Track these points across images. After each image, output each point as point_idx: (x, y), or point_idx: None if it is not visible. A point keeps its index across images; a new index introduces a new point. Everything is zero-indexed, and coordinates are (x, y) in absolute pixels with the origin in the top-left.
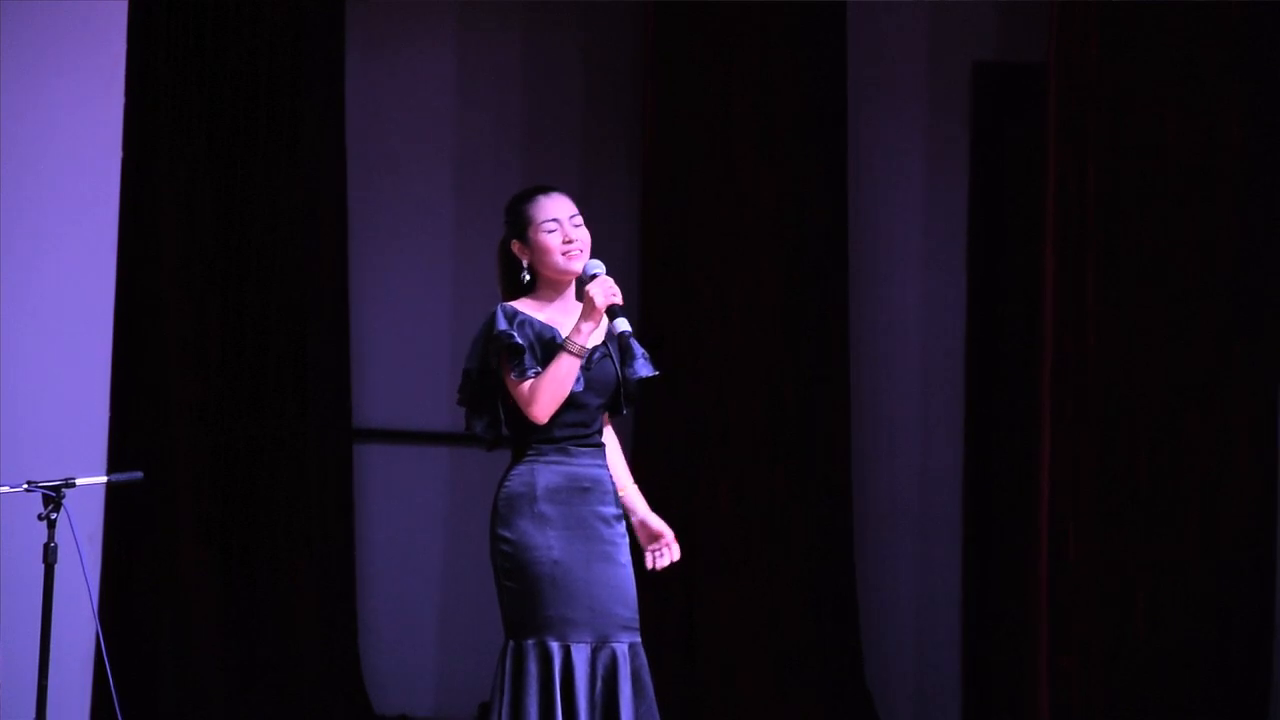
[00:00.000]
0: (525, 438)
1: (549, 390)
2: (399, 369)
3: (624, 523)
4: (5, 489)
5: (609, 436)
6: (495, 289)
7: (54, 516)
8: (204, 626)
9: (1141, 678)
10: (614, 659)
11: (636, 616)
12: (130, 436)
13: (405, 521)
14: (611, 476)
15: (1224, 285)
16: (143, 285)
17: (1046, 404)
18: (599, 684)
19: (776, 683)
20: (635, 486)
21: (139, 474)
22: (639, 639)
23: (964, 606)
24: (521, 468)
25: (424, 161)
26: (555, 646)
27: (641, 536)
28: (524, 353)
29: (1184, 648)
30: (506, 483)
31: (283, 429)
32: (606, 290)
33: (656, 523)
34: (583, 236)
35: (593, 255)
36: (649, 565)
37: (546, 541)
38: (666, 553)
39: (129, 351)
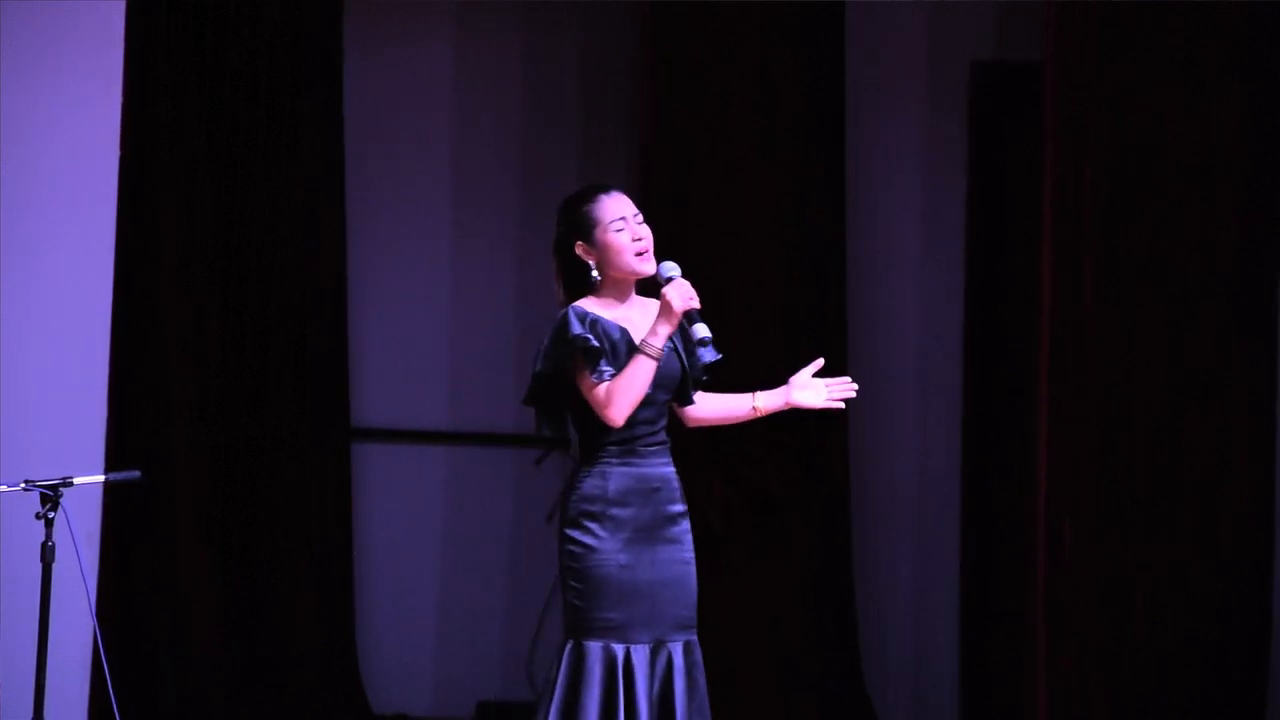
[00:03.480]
0: (595, 439)
1: (626, 393)
2: (397, 368)
3: (688, 520)
4: (3, 488)
5: (699, 395)
6: (488, 288)
7: (52, 516)
8: (203, 626)
9: (1141, 677)
10: (670, 657)
11: (694, 614)
12: (128, 435)
13: (403, 520)
14: (675, 474)
15: (1223, 285)
16: (141, 285)
17: (1044, 403)
18: (656, 683)
19: (778, 684)
20: (750, 396)
21: (137, 473)
22: (695, 636)
23: (962, 606)
24: (593, 470)
25: (423, 162)
26: (618, 649)
27: (805, 397)
28: (601, 356)
29: (1183, 647)
30: (579, 486)
31: (282, 428)
32: (684, 295)
33: (795, 382)
34: (648, 233)
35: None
36: (838, 401)
37: (615, 545)
38: (840, 390)
39: (127, 351)
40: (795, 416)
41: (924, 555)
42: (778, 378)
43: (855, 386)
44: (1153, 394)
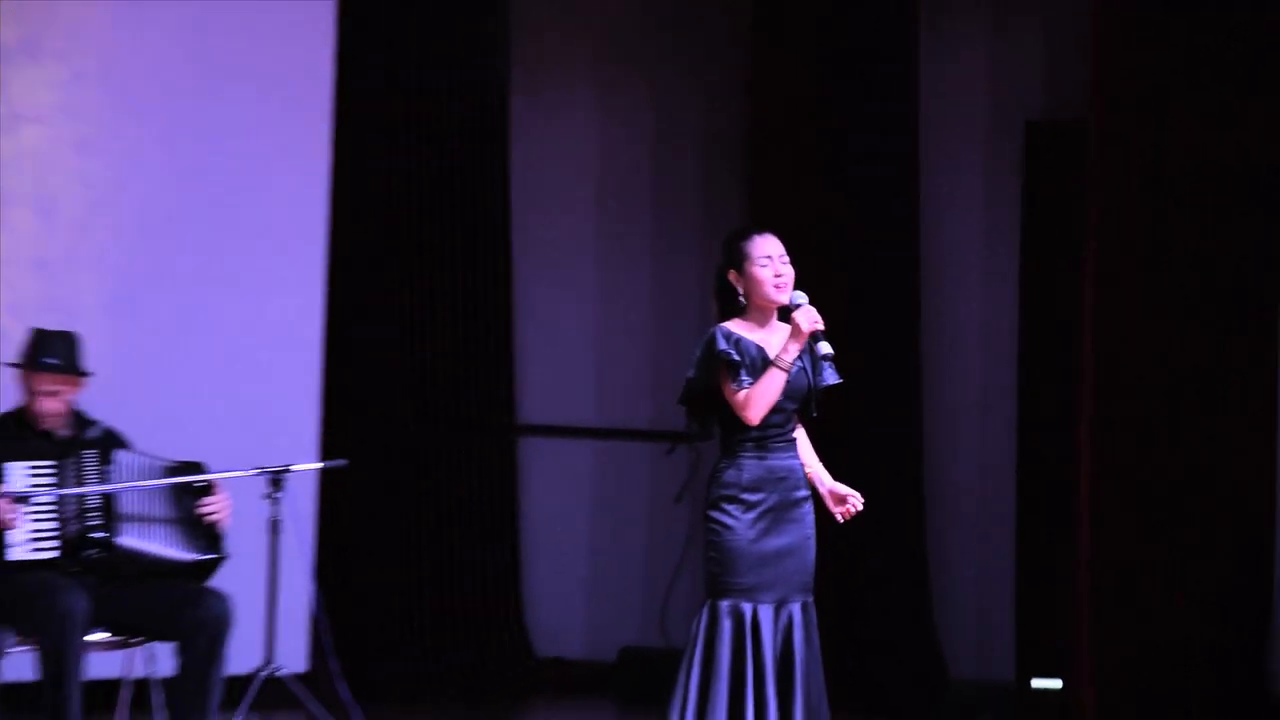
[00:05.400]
0: (734, 435)
1: (761, 399)
2: (554, 376)
3: (810, 503)
4: (240, 473)
5: (799, 432)
6: (627, 309)
7: (278, 495)
8: (396, 584)
9: (1171, 636)
10: (791, 615)
11: (811, 580)
12: (337, 430)
13: (559, 499)
14: (800, 465)
15: (1237, 309)
16: (344, 299)
17: (1086, 409)
18: (779, 636)
19: (868, 637)
20: (820, 465)
21: (344, 461)
22: (811, 598)
23: (1017, 573)
24: (731, 461)
25: (572, 199)
26: (747, 607)
27: (830, 501)
28: (741, 368)
29: (1200, 617)
30: (719, 475)
31: (460, 424)
32: (810, 319)
33: (840, 488)
34: (789, 272)
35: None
36: (840, 520)
37: (747, 524)
38: (852, 505)
39: (334, 360)
40: (874, 414)
41: (985, 535)
42: (859, 381)
43: (860, 505)
44: (1181, 404)
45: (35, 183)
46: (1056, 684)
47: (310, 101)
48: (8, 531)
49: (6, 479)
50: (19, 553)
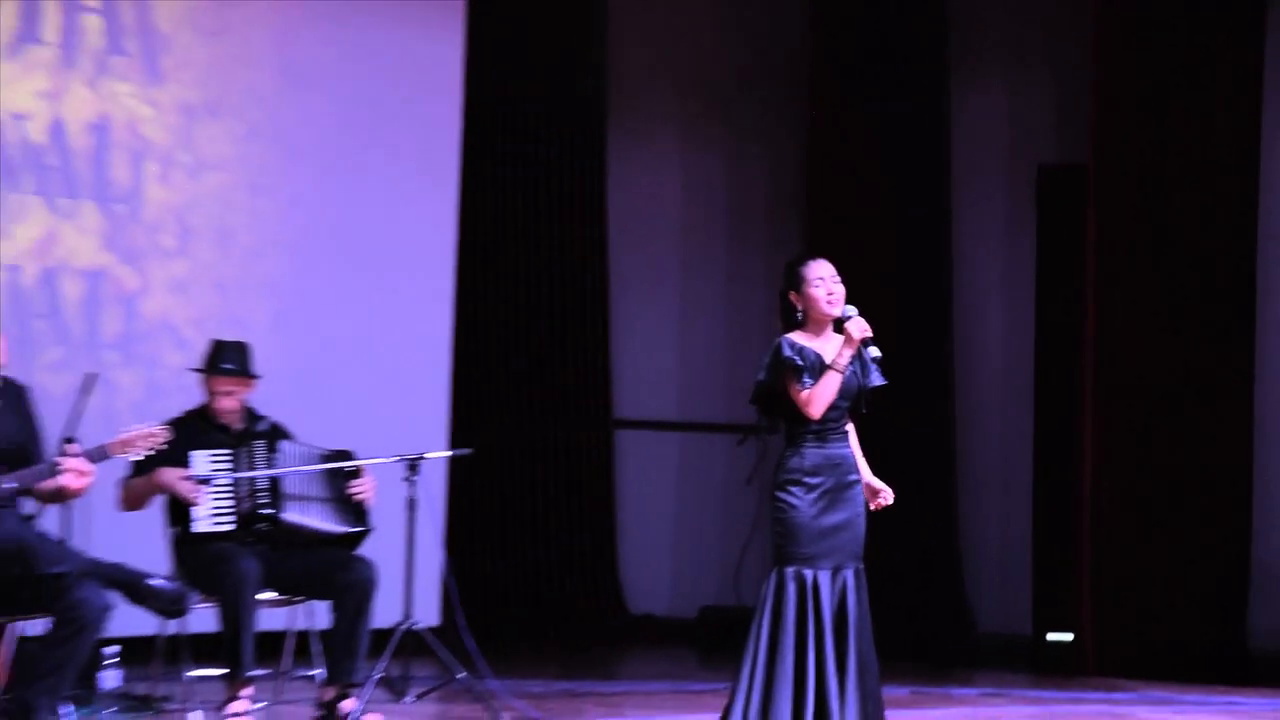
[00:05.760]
0: (797, 428)
1: (821, 397)
2: (643, 378)
3: (860, 485)
4: (383, 459)
5: (849, 427)
6: (705, 321)
7: (414, 478)
8: (512, 553)
9: (1163, 596)
10: (845, 580)
11: (862, 550)
12: (464, 423)
13: (648, 482)
14: (852, 454)
15: (1218, 321)
16: (472, 317)
17: (1088, 405)
18: (835, 598)
19: (900, 616)
20: (864, 459)
21: (469, 450)
22: (862, 565)
23: (1034, 536)
24: (795, 450)
25: (659, 227)
26: (808, 573)
27: (866, 494)
28: (804, 372)
29: (1192, 575)
30: (785, 462)
31: (565, 418)
32: (860, 328)
33: (876, 482)
34: (840, 290)
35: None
36: (872, 509)
37: (809, 501)
38: (883, 499)
39: (461, 364)
40: (915, 416)
41: (1006, 508)
42: (904, 381)
43: (891, 499)
44: (1170, 397)
45: (215, 219)
46: (1068, 636)
47: (440, 145)
48: (194, 508)
49: (192, 465)
50: (202, 526)
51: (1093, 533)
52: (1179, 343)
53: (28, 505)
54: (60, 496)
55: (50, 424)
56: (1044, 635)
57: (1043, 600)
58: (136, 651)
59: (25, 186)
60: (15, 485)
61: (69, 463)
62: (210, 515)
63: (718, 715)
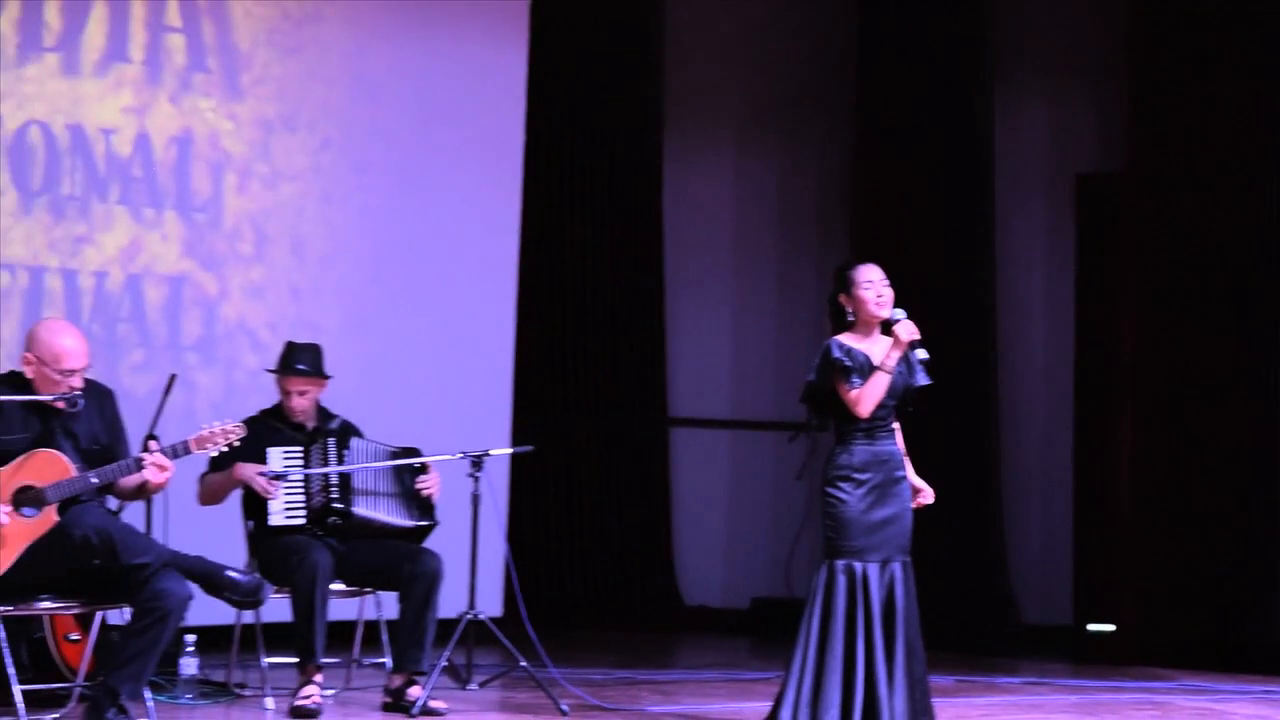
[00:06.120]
0: (847, 426)
1: (870, 396)
2: (697, 378)
3: (907, 481)
4: (448, 456)
5: (895, 426)
6: (756, 323)
7: (478, 474)
8: (572, 546)
9: (1199, 589)
10: (893, 573)
11: (909, 543)
12: (526, 421)
13: (702, 477)
14: (899, 450)
15: (1242, 323)
16: (534, 320)
17: (1126, 397)
18: (883, 590)
19: (946, 606)
20: (908, 459)
21: (531, 447)
22: (909, 558)
23: (1075, 526)
24: (844, 447)
25: (713, 235)
26: (857, 566)
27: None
28: (853, 372)
29: (1227, 569)
30: (835, 457)
31: (623, 417)
32: (908, 330)
33: (918, 482)
34: (889, 293)
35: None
36: (914, 507)
37: (858, 497)
38: (923, 499)
39: (523, 366)
40: (960, 413)
41: (1048, 503)
42: (950, 388)
43: (931, 499)
44: (1205, 395)
45: (290, 227)
46: (1109, 627)
47: (504, 153)
48: (269, 503)
49: (267, 461)
50: (277, 519)
51: (1132, 526)
52: (1215, 343)
53: (110, 501)
54: (142, 492)
55: (133, 423)
56: (1085, 626)
57: (1083, 592)
58: (213, 640)
59: (112, 197)
60: (97, 481)
61: (151, 458)
62: (284, 510)
63: (769, 703)
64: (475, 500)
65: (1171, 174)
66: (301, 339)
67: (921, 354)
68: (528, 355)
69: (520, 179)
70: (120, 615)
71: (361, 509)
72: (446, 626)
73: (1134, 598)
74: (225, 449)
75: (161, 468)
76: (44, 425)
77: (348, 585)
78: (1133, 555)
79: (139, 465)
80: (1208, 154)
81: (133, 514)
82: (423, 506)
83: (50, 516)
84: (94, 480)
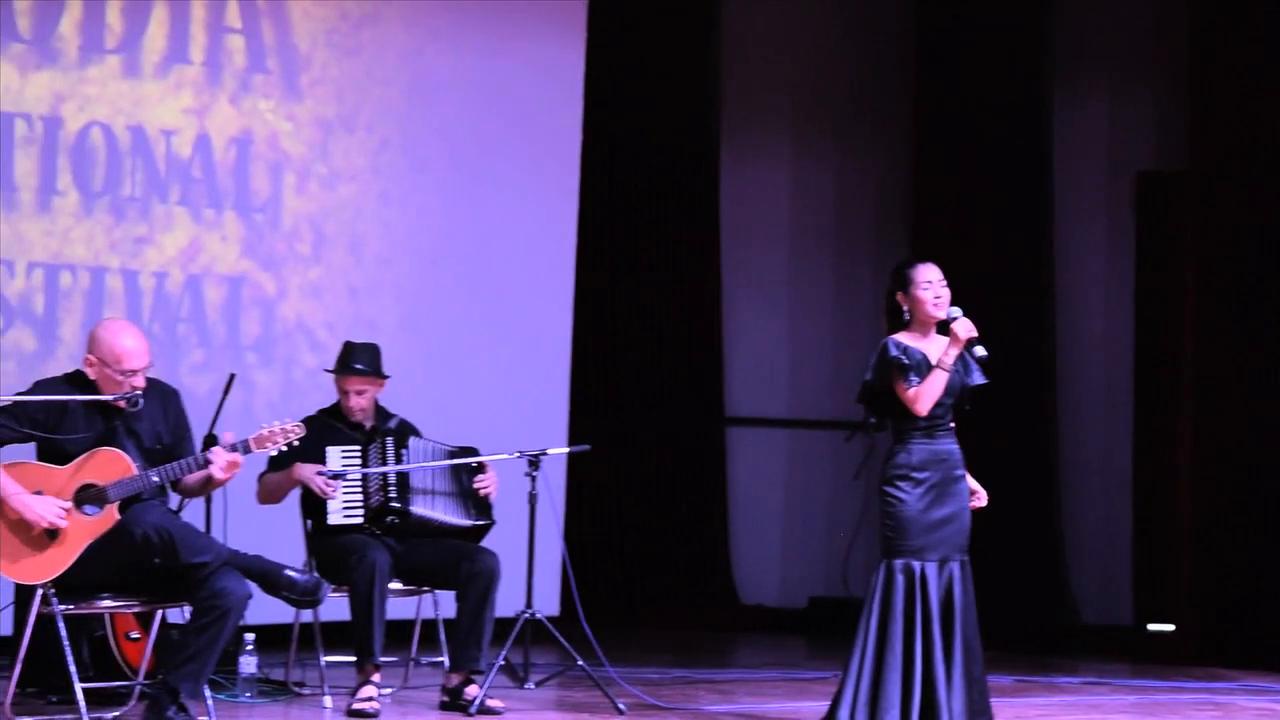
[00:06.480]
0: (904, 425)
1: (928, 395)
2: (754, 377)
3: (965, 480)
4: (506, 456)
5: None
6: (813, 324)
7: (534, 474)
8: (629, 546)
9: (1259, 590)
10: (951, 572)
11: (968, 542)
12: (583, 421)
13: (760, 477)
14: (958, 449)
15: None
16: (591, 321)
17: (1187, 399)
18: (941, 589)
19: (1005, 606)
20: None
21: (587, 446)
22: (967, 557)
23: (1134, 536)
24: (903, 446)
25: (770, 235)
26: (916, 565)
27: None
28: (910, 370)
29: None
30: (893, 457)
31: (680, 416)
32: (966, 328)
33: (972, 484)
34: (947, 293)
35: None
36: (971, 508)
37: (915, 497)
38: (977, 500)
39: (580, 366)
40: (1018, 413)
41: (1107, 505)
42: (1009, 382)
43: (985, 501)
44: (1263, 396)
45: (349, 228)
46: (1169, 627)
47: (561, 155)
48: (327, 502)
49: (326, 461)
50: (335, 518)
51: (1192, 526)
52: (1275, 342)
53: (172, 500)
54: (205, 488)
55: (193, 421)
56: (1145, 626)
57: (1143, 592)
58: (272, 638)
59: (172, 198)
60: (159, 479)
61: (218, 454)
62: (342, 509)
63: (827, 702)
64: (532, 499)
65: (1231, 172)
66: (359, 339)
67: (980, 351)
68: (584, 355)
69: (577, 179)
70: (180, 613)
71: (419, 508)
72: (504, 625)
73: (1194, 598)
74: (285, 448)
75: (231, 464)
76: (106, 424)
77: (405, 584)
78: (1193, 555)
79: (205, 463)
80: (1267, 152)
81: (193, 513)
82: (480, 506)
83: (111, 515)
84: (155, 479)
